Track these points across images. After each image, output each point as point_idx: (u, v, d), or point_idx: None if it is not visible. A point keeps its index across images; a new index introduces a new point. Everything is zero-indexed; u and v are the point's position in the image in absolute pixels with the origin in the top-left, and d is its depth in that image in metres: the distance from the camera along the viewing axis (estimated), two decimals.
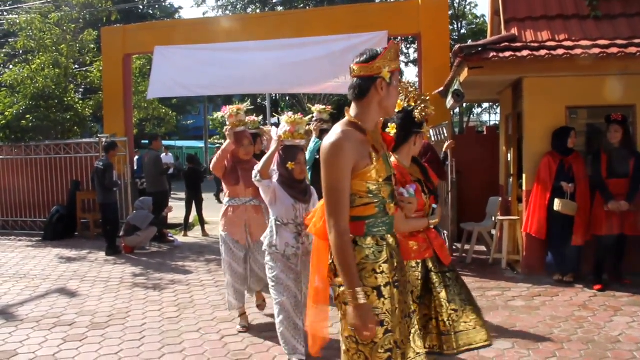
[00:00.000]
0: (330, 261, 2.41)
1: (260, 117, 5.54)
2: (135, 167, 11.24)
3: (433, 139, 7.96)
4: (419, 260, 3.15)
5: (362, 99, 2.40)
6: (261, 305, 5.41)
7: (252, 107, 5.57)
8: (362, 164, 2.33)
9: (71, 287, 6.71)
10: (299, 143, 4.14)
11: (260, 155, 5.08)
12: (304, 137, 4.15)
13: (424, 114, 3.27)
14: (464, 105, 24.12)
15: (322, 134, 5.79)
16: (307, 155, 5.17)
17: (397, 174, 3.16)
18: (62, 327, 5.19)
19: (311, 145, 5.65)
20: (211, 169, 4.95)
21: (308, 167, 5.21)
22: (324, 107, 6.01)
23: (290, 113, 4.22)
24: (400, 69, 2.34)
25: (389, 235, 2.46)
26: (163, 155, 18.44)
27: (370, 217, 2.38)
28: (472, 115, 35.05)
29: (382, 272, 2.35)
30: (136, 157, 12.02)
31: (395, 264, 2.43)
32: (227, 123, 4.97)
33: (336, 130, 2.37)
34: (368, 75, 2.38)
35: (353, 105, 2.45)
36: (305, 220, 3.01)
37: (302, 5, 25.96)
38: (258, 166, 4.09)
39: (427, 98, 3.32)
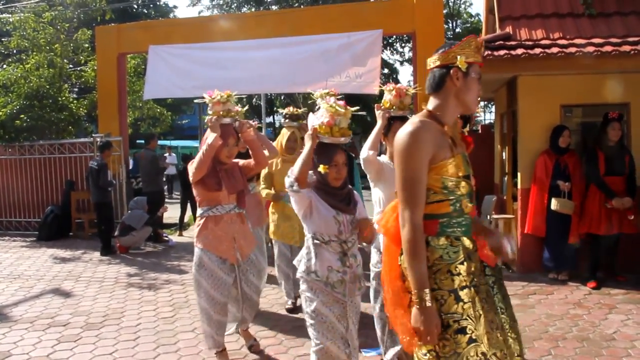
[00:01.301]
0: (401, 263, 2.26)
1: (244, 108, 4.64)
2: (131, 167, 11.21)
3: None
4: None
5: (439, 91, 2.31)
6: (255, 346, 4.44)
7: (253, 100, 4.53)
8: (440, 155, 2.21)
9: (66, 287, 6.68)
10: (339, 140, 3.19)
11: (245, 155, 4.47)
12: (346, 133, 3.21)
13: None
14: None
15: None
16: None
17: None
18: (57, 328, 5.16)
19: None
20: (193, 171, 3.93)
21: None
22: (327, 91, 5.36)
23: (333, 99, 3.29)
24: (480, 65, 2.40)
25: (465, 238, 2.27)
26: (166, 155, 18.43)
27: (445, 215, 2.23)
28: None
29: (458, 274, 2.15)
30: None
31: (473, 268, 2.21)
32: (210, 111, 4.04)
33: (413, 120, 2.27)
34: (443, 65, 2.30)
35: (430, 99, 2.36)
36: (375, 223, 2.65)
37: (296, 5, 25.94)
38: (293, 171, 3.12)
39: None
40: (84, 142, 10.92)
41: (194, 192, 4.08)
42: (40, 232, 10.29)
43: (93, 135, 11.05)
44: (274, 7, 25.45)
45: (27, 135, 11.05)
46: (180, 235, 10.43)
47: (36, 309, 5.80)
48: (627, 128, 6.53)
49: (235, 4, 27.59)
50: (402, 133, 2.21)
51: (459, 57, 2.26)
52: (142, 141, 12.59)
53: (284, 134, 5.46)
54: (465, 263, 2.17)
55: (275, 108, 27.51)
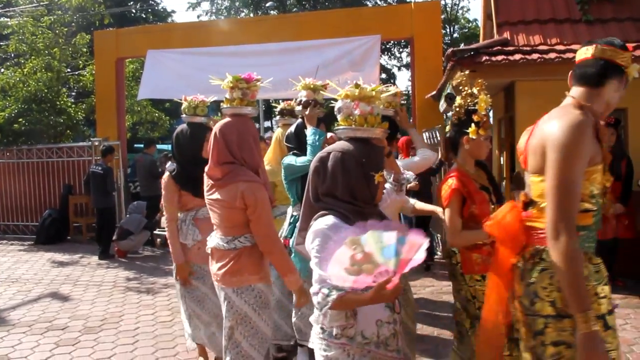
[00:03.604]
0: (532, 281, 1.95)
1: (212, 98, 4.06)
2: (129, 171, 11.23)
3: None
4: (484, 274, 2.75)
5: (595, 87, 1.95)
6: None
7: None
8: (595, 159, 1.89)
9: (63, 291, 6.67)
10: (381, 135, 2.18)
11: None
12: (385, 125, 2.20)
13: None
14: None
15: (319, 123, 3.87)
16: (308, 154, 3.58)
17: (457, 184, 2.83)
18: (55, 332, 5.15)
19: (312, 137, 3.57)
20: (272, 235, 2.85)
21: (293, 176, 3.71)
22: (321, 83, 4.15)
23: (361, 82, 2.24)
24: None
25: (593, 253, 2.00)
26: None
27: (585, 228, 1.95)
28: None
29: (605, 297, 1.91)
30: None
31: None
32: (236, 95, 3.19)
33: (571, 111, 1.91)
34: (617, 64, 1.94)
35: (580, 90, 1.99)
36: (485, 227, 2.19)
37: (295, 10, 26.03)
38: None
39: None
40: (82, 146, 10.94)
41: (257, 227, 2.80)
42: (38, 236, 10.27)
43: (91, 139, 11.07)
44: (272, 12, 25.54)
45: (25, 139, 11.06)
46: None
47: (34, 312, 5.79)
48: (624, 133, 6.56)
49: (233, 9, 27.70)
50: (563, 125, 1.85)
51: (632, 65, 1.96)
52: (141, 145, 12.57)
53: (281, 133, 4.48)
54: (608, 284, 1.95)
55: (272, 111, 27.51)
